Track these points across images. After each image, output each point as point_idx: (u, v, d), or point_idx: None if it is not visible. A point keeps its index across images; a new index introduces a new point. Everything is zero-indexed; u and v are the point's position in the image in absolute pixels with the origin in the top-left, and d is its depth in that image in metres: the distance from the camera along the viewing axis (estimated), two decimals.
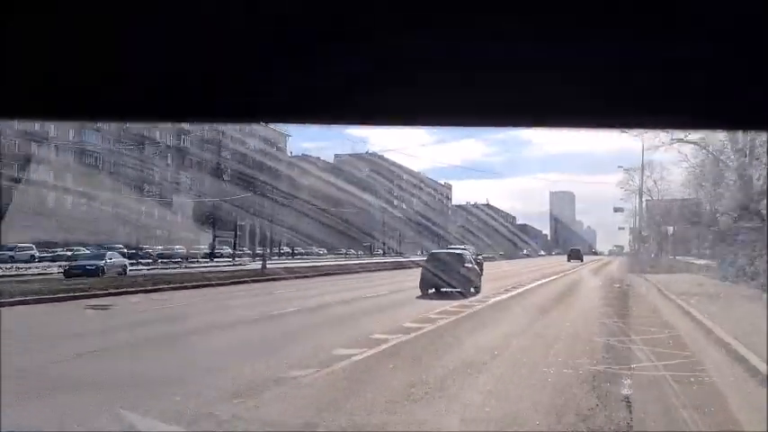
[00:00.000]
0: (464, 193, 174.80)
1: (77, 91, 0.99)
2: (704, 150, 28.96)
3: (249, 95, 0.97)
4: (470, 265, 20.68)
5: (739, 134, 24.10)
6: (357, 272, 32.91)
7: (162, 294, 18.69)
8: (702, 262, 36.21)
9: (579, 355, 9.57)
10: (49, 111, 1.04)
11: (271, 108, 1.00)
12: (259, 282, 25.10)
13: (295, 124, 2.48)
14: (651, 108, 0.97)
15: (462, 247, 27.74)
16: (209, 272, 29.72)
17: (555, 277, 32.08)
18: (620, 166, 64.50)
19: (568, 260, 56.55)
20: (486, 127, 1.03)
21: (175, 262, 43.87)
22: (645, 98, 0.97)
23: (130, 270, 28.24)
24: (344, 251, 65.38)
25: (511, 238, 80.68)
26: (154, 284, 20.60)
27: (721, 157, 27.75)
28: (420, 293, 18.79)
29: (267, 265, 33.06)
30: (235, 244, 56.88)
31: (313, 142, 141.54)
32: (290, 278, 27.08)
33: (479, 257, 27.94)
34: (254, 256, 48.50)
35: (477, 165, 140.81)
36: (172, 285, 20.64)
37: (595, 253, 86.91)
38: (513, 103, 0.97)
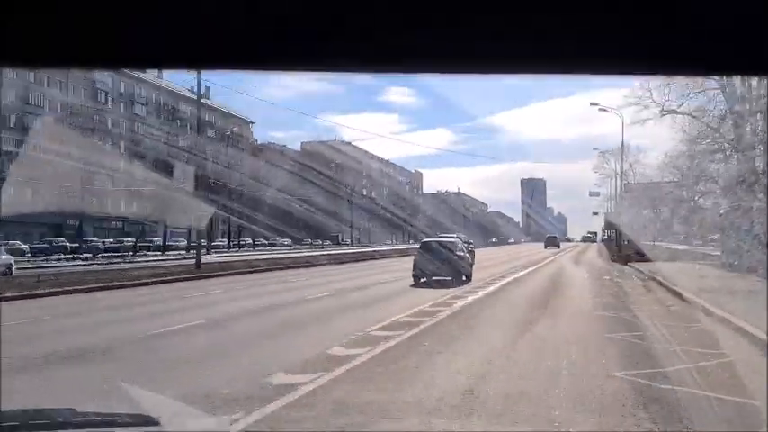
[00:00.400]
0: (435, 180, 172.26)
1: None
2: (701, 121, 25.69)
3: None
4: (462, 253, 20.33)
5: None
6: (313, 265, 29.48)
7: (38, 301, 14.58)
8: (683, 247, 34.00)
9: (610, 416, 5.72)
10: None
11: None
12: (188, 280, 21.35)
13: (303, 72, 0.85)
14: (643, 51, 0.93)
15: (454, 235, 27.10)
16: (143, 267, 25.94)
17: (538, 265, 29.98)
18: (595, 149, 62.27)
19: (545, 247, 55.58)
20: (478, 73, 0.96)
21: (119, 256, 41.10)
22: (638, 41, 0.93)
23: (36, 268, 24.16)
24: (310, 242, 63.14)
25: (482, 225, 78.54)
26: (39, 287, 16.42)
27: (722, 130, 24.46)
28: (413, 283, 18.57)
29: (206, 260, 29.20)
30: (189, 235, 53.79)
31: (281, 131, 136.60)
32: (227, 274, 23.25)
33: (471, 245, 27.22)
34: (209, 248, 44.83)
35: (449, 153, 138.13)
36: (61, 289, 16.48)
37: (569, 240, 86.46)
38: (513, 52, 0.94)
